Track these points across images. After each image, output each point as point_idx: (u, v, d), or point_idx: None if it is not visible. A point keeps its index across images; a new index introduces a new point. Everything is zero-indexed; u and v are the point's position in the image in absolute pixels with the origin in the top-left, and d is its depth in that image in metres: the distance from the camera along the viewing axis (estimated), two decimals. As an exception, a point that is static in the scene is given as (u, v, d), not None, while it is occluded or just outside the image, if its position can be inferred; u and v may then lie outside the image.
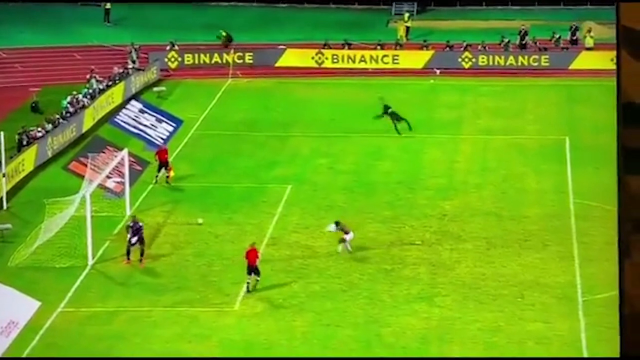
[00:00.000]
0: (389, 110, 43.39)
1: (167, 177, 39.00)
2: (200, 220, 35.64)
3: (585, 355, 27.51)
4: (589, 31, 54.08)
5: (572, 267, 32.25)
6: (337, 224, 33.28)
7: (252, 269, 30.99)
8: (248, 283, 31.09)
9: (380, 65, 53.11)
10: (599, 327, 28.66)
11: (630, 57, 11.91)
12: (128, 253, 32.91)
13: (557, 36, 53.55)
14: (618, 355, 26.81)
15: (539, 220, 35.66)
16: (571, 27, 54.05)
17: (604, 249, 33.32)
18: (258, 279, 31.10)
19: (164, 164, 38.92)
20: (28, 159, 39.96)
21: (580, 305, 29.94)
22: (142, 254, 32.85)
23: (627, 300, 12.29)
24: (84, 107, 44.82)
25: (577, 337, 28.30)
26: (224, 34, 54.37)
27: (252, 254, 31.11)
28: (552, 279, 31.57)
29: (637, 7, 11.82)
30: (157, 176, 38.97)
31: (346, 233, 33.02)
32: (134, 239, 32.64)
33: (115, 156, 36.26)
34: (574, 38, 53.84)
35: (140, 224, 32.97)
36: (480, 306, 30.09)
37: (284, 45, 54.43)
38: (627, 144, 11.98)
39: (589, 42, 53.36)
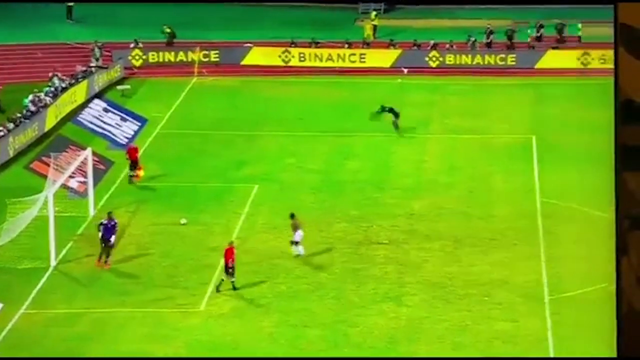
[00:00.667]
0: (386, 109, 43.92)
1: (135, 176, 38.92)
2: (183, 221, 35.62)
3: (552, 354, 27.84)
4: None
5: (538, 266, 32.58)
6: (292, 216, 33.26)
7: (227, 268, 31.06)
8: (222, 281, 31.13)
9: (348, 64, 53.35)
10: (565, 325, 29.07)
11: (629, 54, 11.96)
12: (102, 254, 32.61)
13: (473, 39, 53.50)
14: (590, 354, 27.02)
15: (507, 219, 36.01)
16: (536, 24, 54.52)
17: (570, 247, 33.81)
18: (232, 280, 31.12)
19: (135, 163, 38.88)
20: (-11, 159, 39.83)
21: (547, 304, 30.25)
22: (108, 255, 32.79)
23: (624, 298, 12.21)
24: (46, 105, 44.70)
25: (544, 336, 28.61)
26: (167, 30, 54.21)
27: (228, 253, 31.21)
28: (519, 277, 31.89)
29: (635, 5, 11.86)
30: (130, 175, 38.94)
31: (295, 230, 32.85)
32: (113, 238, 32.54)
33: (79, 155, 36.18)
34: (539, 35, 54.28)
35: (116, 221, 32.92)
36: (448, 305, 30.34)
37: (251, 43, 54.49)
38: (625, 141, 11.98)
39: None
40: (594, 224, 35.54)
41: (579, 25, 54.84)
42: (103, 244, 32.66)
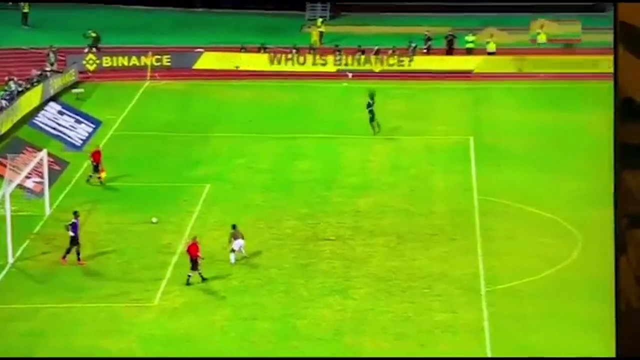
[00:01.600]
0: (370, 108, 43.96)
1: (98, 177, 38.91)
2: (154, 219, 35.60)
3: (488, 343, 28.23)
4: (492, 35, 55.32)
5: (475, 260, 32.98)
6: (233, 227, 33.03)
7: (194, 262, 31.18)
8: (189, 276, 31.25)
9: (296, 68, 53.57)
10: (500, 316, 29.53)
11: (628, 52, 11.59)
12: (77, 253, 32.52)
13: (414, 45, 53.97)
14: (524, 344, 27.22)
15: (446, 216, 36.44)
16: (447, 37, 54.80)
17: (505, 243, 34.29)
18: (192, 273, 31.25)
19: (97, 165, 38.88)
20: (-53, 160, 39.38)
21: (483, 296, 30.66)
22: (69, 252, 32.64)
23: (623, 297, 11.78)
24: (2, 109, 44.33)
25: (480, 326, 29.03)
26: (93, 34, 53.88)
27: (192, 248, 31.30)
28: (457, 271, 32.29)
29: (635, 4, 11.56)
30: (90, 176, 38.93)
31: (235, 239, 32.67)
32: (77, 236, 32.48)
33: (35, 157, 35.91)
34: (451, 47, 54.52)
35: (79, 218, 32.95)
36: (391, 298, 30.69)
37: (202, 48, 54.50)
38: (625, 139, 11.61)
39: (491, 47, 54.57)
40: (527, 220, 36.15)
41: (488, 34, 55.43)
42: (77, 243, 32.41)
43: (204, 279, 31.39)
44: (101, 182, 38.98)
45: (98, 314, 29.91)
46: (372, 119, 44.27)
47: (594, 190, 37.96)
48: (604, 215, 38.50)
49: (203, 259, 31.39)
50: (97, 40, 53.59)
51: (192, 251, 31.31)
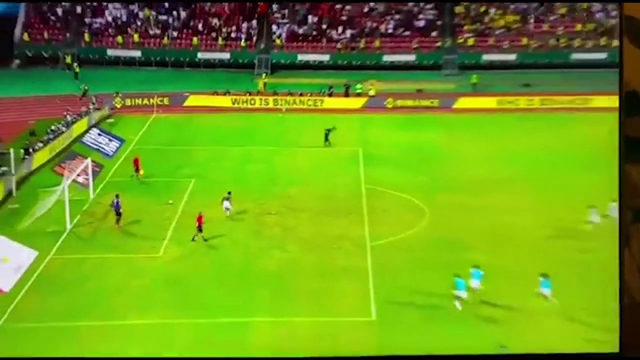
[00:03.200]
0: (329, 132, 44.01)
1: (134, 175, 38.45)
2: (170, 201, 35.14)
3: (371, 280, 28.36)
4: (372, 84, 55.88)
5: (363, 226, 33.15)
6: (229, 193, 33.49)
7: (199, 227, 31.11)
8: (195, 235, 31.07)
9: (249, 105, 53.44)
10: (379, 263, 29.66)
11: (633, 45, 8.52)
12: (117, 221, 32.45)
13: (324, 91, 54.32)
14: (395, 281, 27.26)
15: (346, 199, 36.53)
16: (344, 85, 55.22)
17: (382, 215, 34.59)
18: (201, 234, 31.16)
19: (137, 167, 38.44)
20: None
21: (368, 249, 30.87)
22: (118, 221, 32.58)
23: (626, 290, 8.61)
24: (62, 132, 43.51)
25: (366, 268, 29.17)
26: (86, 87, 52.49)
27: (199, 219, 31.35)
28: (353, 233, 32.43)
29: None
30: (132, 175, 38.39)
31: (226, 200, 33.13)
32: (121, 210, 32.31)
33: (83, 162, 35.93)
34: (347, 92, 55.02)
35: (119, 198, 32.73)
36: (312, 252, 30.71)
37: (188, 92, 54.00)
38: (630, 133, 8.39)
39: (373, 92, 55.03)
40: (396, 200, 36.58)
41: (370, 83, 55.94)
42: (119, 214, 32.42)
43: (193, 239, 31.12)
44: (138, 178, 38.40)
45: (124, 262, 29.48)
46: (326, 139, 44.00)
47: (436, 182, 38.79)
48: (442, 198, 39.34)
49: (204, 222, 31.25)
50: (86, 91, 52.61)
51: (199, 220, 31.30)
